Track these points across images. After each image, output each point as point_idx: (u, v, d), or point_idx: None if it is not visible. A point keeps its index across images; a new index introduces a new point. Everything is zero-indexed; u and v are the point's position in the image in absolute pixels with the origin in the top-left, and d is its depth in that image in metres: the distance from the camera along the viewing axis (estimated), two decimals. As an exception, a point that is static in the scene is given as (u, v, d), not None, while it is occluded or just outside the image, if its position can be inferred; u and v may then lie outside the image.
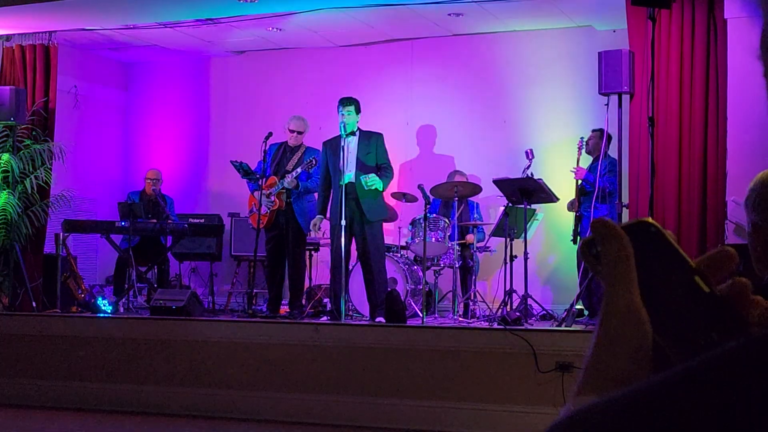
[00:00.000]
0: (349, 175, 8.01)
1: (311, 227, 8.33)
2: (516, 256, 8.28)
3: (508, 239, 8.37)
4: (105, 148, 11.81)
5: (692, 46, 7.41)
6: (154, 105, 12.01)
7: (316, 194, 8.62)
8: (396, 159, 9.57)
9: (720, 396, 0.56)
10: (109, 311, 8.72)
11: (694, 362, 0.60)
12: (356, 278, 8.42)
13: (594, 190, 8.28)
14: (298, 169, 8.37)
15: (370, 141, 8.10)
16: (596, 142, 8.65)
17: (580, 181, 8.58)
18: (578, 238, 8.76)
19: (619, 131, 7.43)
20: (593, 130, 8.82)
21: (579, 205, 8.67)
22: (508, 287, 8.11)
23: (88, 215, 10.84)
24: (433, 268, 8.87)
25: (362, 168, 8.01)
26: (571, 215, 8.85)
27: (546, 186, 8.35)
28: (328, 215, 8.16)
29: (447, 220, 8.69)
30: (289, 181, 8.36)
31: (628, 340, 0.71)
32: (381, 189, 8.03)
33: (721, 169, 7.26)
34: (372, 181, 7.91)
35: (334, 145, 8.10)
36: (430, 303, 8.81)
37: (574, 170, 8.58)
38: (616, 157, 7.70)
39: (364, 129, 8.20)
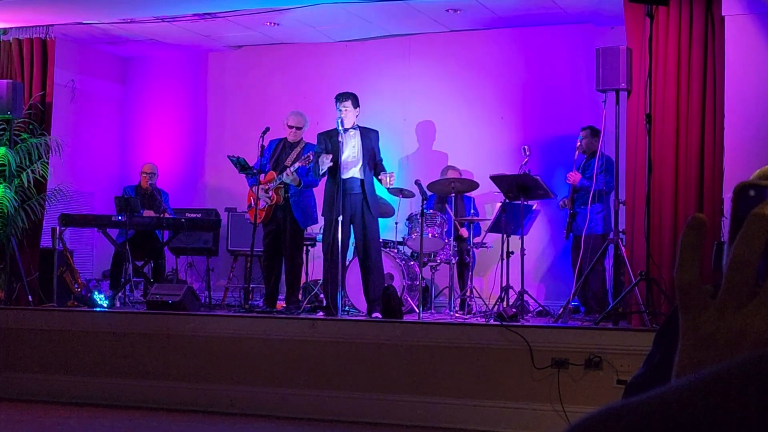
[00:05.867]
0: (354, 169, 8.00)
1: (321, 162, 7.96)
2: (513, 252, 8.28)
3: (504, 235, 8.37)
4: (102, 143, 11.80)
5: (690, 44, 7.41)
6: (151, 99, 12.00)
7: (314, 189, 8.63)
8: (393, 154, 9.58)
9: (750, 400, 0.56)
10: (105, 305, 8.72)
11: (726, 364, 0.59)
12: (352, 273, 8.42)
13: (587, 189, 8.31)
14: (297, 164, 8.36)
15: (370, 137, 8.11)
16: (589, 141, 8.66)
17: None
18: (571, 235, 8.81)
19: (616, 128, 7.43)
20: (583, 129, 8.84)
21: (573, 202, 8.70)
22: (504, 283, 8.11)
23: (84, 209, 10.84)
24: (429, 263, 8.87)
25: (369, 163, 8.01)
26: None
27: (543, 182, 8.36)
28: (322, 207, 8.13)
29: (443, 216, 8.69)
30: (287, 175, 8.36)
31: None
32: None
33: (718, 166, 7.26)
34: (394, 182, 8.04)
35: (330, 138, 8.07)
36: (427, 299, 8.81)
37: (570, 176, 8.63)
38: (613, 154, 7.70)
39: (361, 125, 8.19)
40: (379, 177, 7.99)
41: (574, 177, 8.61)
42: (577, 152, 8.68)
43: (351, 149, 8.01)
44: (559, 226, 9.46)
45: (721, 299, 0.69)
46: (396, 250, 9.05)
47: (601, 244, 8.12)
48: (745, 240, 0.67)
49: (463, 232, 9.11)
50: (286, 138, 8.71)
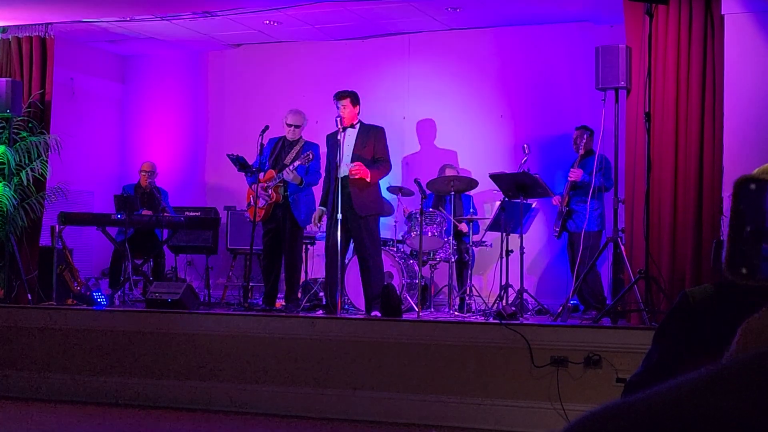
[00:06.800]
0: (346, 167, 7.99)
1: (313, 220, 8.30)
2: (512, 251, 8.28)
3: (504, 234, 8.37)
4: (101, 141, 11.80)
5: (689, 42, 7.41)
6: (150, 98, 12.00)
7: (313, 188, 8.63)
8: (393, 153, 9.55)
9: (749, 399, 0.56)
10: (104, 304, 8.72)
11: (726, 363, 0.59)
12: (352, 272, 8.42)
13: (585, 186, 8.32)
14: (296, 163, 8.37)
15: (369, 134, 8.09)
16: (587, 139, 8.70)
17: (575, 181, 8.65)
18: (565, 232, 8.83)
19: (615, 127, 7.43)
20: (577, 128, 8.89)
21: (569, 200, 8.71)
22: (503, 282, 8.11)
23: (84, 208, 10.83)
24: (429, 262, 8.87)
25: (362, 161, 7.99)
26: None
27: (542, 180, 8.36)
28: None
29: (443, 215, 8.70)
30: (288, 173, 8.35)
31: None
32: (368, 178, 7.94)
33: (717, 164, 7.26)
34: (357, 169, 7.85)
35: (333, 138, 8.09)
36: (426, 297, 8.81)
37: (572, 172, 8.65)
38: (613, 153, 7.70)
39: (366, 123, 8.18)
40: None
41: (577, 173, 8.62)
42: (584, 149, 8.69)
43: (347, 147, 8.01)
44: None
45: None
46: (395, 249, 9.05)
47: (597, 241, 8.13)
48: None
49: (463, 227, 9.11)
50: (285, 136, 8.71)
